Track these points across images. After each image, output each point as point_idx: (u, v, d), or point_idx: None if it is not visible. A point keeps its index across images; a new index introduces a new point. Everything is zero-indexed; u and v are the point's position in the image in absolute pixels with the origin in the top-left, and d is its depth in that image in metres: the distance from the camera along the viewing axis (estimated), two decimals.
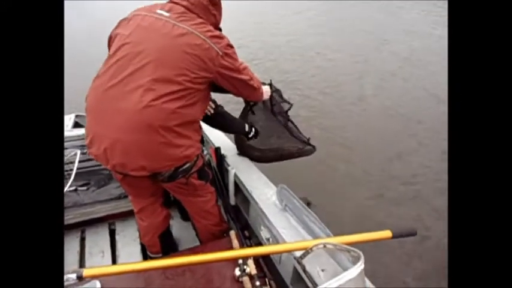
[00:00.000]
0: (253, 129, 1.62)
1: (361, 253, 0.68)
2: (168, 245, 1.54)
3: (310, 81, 4.87)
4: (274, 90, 1.65)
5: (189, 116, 1.11)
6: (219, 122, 1.53)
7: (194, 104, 1.12)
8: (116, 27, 1.20)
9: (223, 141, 1.84)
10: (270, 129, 1.71)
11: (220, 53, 1.11)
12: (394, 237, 1.02)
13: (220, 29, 1.27)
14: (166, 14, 1.11)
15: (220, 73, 1.14)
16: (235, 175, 1.56)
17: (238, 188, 1.58)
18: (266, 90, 1.52)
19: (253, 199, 1.39)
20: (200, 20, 1.13)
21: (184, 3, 1.15)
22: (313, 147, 1.86)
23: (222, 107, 1.53)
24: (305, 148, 1.86)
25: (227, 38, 1.16)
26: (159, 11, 1.12)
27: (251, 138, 1.63)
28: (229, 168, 1.59)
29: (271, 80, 1.64)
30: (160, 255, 1.52)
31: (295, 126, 1.77)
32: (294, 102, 1.75)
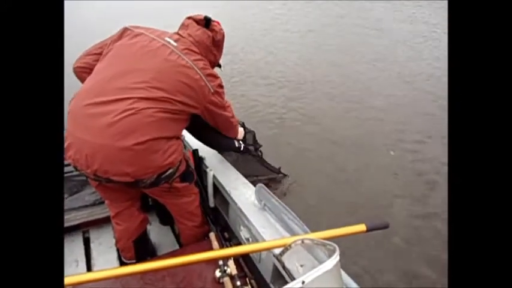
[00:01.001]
0: (241, 143, 1.65)
1: (336, 246, 0.71)
2: (143, 251, 1.52)
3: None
4: (248, 131, 1.77)
5: (174, 130, 1.15)
6: (211, 138, 1.54)
7: (180, 120, 1.17)
8: (119, 37, 1.22)
9: (201, 143, 1.83)
10: (244, 161, 1.85)
11: (212, 91, 1.21)
12: (368, 230, 1.06)
13: (219, 65, 1.41)
14: (174, 44, 1.17)
15: (207, 108, 1.24)
16: (214, 177, 1.56)
17: (217, 189, 1.58)
18: (240, 131, 1.62)
19: (232, 200, 1.40)
20: (200, 57, 1.22)
21: (190, 39, 1.24)
22: (285, 175, 1.98)
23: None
24: (277, 177, 1.99)
25: (220, 79, 1.26)
26: (167, 39, 1.18)
27: (243, 152, 1.69)
28: (208, 170, 1.59)
29: (243, 122, 1.75)
30: (134, 261, 1.49)
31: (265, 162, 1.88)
32: None
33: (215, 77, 1.23)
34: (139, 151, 1.04)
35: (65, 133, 1.09)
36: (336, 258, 0.65)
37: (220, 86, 1.26)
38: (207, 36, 1.26)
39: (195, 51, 1.21)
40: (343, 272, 0.92)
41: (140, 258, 1.49)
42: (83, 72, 1.25)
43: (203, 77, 1.16)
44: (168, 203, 1.42)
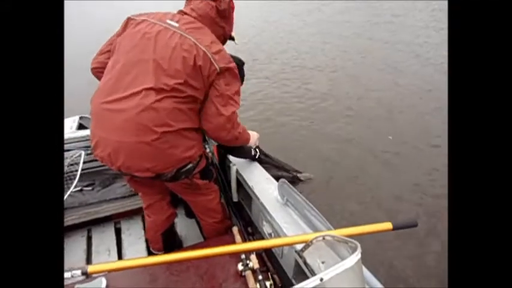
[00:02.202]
0: (257, 150, 1.66)
1: (358, 243, 0.69)
2: (170, 244, 1.57)
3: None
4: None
5: (188, 119, 1.12)
6: (232, 149, 1.56)
7: (193, 110, 1.13)
8: (123, 28, 1.19)
9: None
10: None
11: (218, 70, 1.10)
12: (394, 229, 1.02)
13: (232, 38, 1.29)
14: (176, 25, 1.12)
15: (210, 92, 1.13)
16: (237, 171, 1.58)
17: (240, 184, 1.59)
18: (253, 135, 1.47)
19: (255, 195, 1.40)
20: (206, 32, 1.14)
21: (194, 14, 1.17)
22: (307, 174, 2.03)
23: None
24: (301, 175, 2.03)
25: (229, 56, 1.15)
26: (168, 21, 1.13)
27: (257, 158, 1.67)
28: (231, 165, 1.60)
29: None
30: (162, 252, 1.55)
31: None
32: None
33: (221, 54, 1.11)
34: (157, 145, 1.06)
35: (91, 133, 1.14)
36: (357, 255, 0.63)
37: (229, 68, 1.12)
38: (210, 8, 1.17)
39: (199, 27, 1.14)
40: (366, 270, 0.89)
41: (167, 250, 1.55)
42: (99, 72, 1.25)
43: (208, 54, 1.07)
44: (189, 200, 1.45)
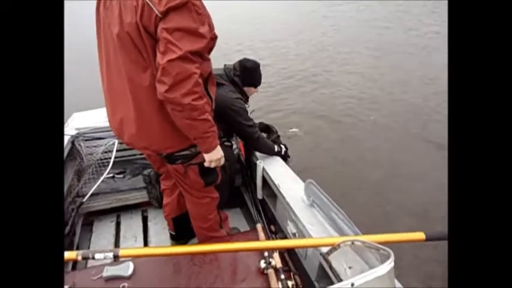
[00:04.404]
0: (283, 148, 1.70)
1: (391, 252, 0.66)
2: (181, 230, 1.63)
3: None
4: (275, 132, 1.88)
5: None
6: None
7: None
8: (97, 13, 1.07)
9: None
10: None
11: (160, 15, 0.87)
12: (427, 239, 0.97)
13: None
14: None
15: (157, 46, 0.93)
16: (264, 169, 1.57)
17: (266, 182, 1.59)
18: (218, 150, 1.09)
19: (281, 193, 1.39)
20: None
21: None
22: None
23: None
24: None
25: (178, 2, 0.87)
26: None
27: (284, 156, 1.70)
28: (258, 162, 1.60)
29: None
30: (174, 233, 1.64)
31: None
32: None
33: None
34: (154, 123, 1.06)
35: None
36: (390, 264, 0.60)
37: (173, 7, 0.86)
38: None
39: None
40: (396, 282, 0.86)
41: (178, 235, 1.64)
42: None
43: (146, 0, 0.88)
44: (183, 193, 1.40)
